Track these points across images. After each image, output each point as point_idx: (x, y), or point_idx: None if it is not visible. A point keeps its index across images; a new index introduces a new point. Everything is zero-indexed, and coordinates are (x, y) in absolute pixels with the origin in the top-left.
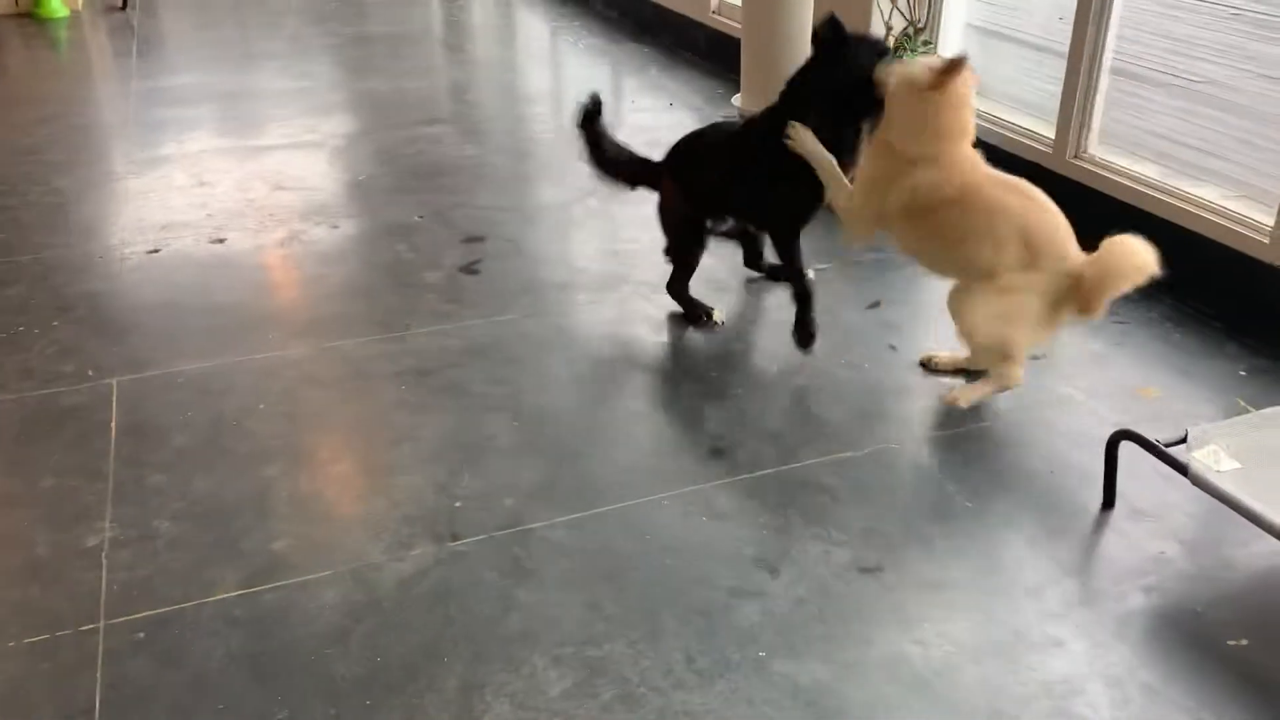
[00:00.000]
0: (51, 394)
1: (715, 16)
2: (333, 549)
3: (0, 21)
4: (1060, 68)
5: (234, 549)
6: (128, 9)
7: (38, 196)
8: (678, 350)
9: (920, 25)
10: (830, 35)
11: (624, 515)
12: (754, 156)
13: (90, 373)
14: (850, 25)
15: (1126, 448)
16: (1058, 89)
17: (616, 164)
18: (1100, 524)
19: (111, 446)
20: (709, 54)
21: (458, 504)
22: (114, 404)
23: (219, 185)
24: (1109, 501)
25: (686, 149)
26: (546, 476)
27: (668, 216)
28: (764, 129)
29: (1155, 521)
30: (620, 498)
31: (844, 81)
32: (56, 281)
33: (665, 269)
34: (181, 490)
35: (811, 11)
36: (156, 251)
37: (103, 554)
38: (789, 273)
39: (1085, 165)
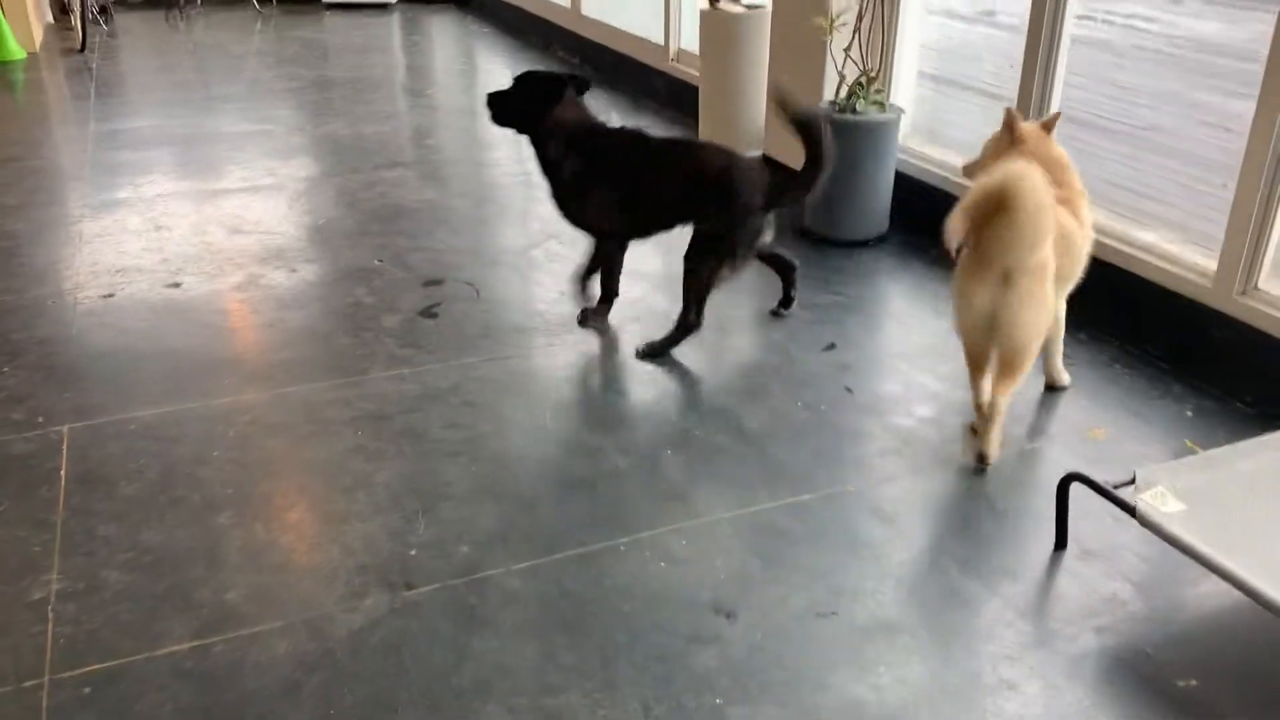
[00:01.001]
0: (0, 441)
1: (674, 64)
2: (285, 599)
3: None
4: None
5: (185, 600)
6: (86, 51)
7: None
8: (636, 393)
9: (873, 74)
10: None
11: (581, 561)
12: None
13: (40, 420)
14: (803, 72)
15: (1077, 489)
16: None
17: None
18: (1053, 565)
19: (60, 495)
20: (669, 100)
21: (413, 552)
22: (64, 452)
23: (176, 229)
24: (1061, 543)
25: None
26: (503, 523)
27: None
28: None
29: (1106, 562)
30: (577, 543)
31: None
32: (6, 327)
33: (624, 314)
34: (131, 540)
35: (766, 60)
36: (110, 296)
37: (49, 607)
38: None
39: None
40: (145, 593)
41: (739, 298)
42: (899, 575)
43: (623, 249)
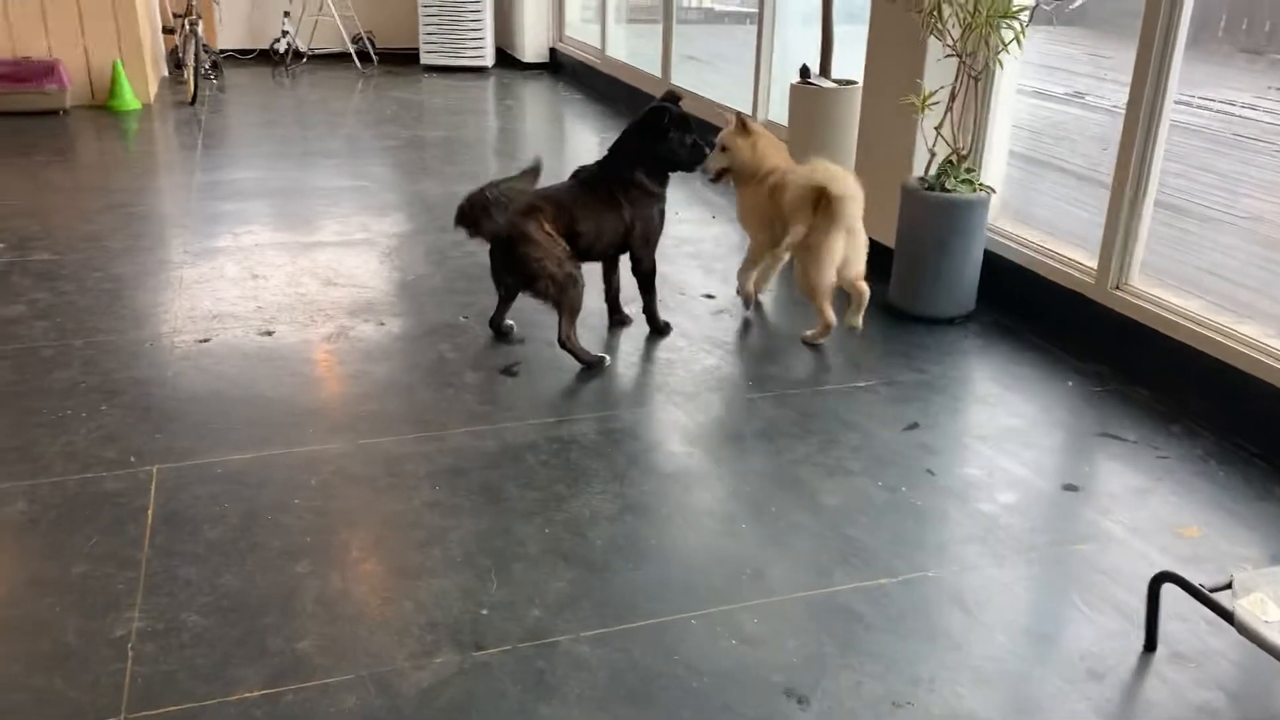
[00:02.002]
0: (93, 478)
1: None
2: (356, 652)
3: (77, 111)
4: (1103, 197)
5: (259, 647)
6: (196, 104)
7: (95, 283)
8: (712, 463)
9: (964, 153)
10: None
11: (651, 633)
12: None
13: (132, 459)
14: (892, 148)
15: (1169, 589)
16: (1100, 219)
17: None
18: (1141, 668)
19: (146, 535)
20: None
21: (484, 611)
22: (152, 492)
23: (271, 279)
24: (1150, 644)
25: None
26: (574, 588)
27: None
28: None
29: (1199, 668)
30: (649, 614)
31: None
32: (107, 367)
33: (699, 379)
34: (211, 583)
35: (855, 135)
36: (206, 341)
37: (129, 645)
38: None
39: (1127, 296)
40: (221, 637)
41: (818, 370)
42: (978, 668)
43: None
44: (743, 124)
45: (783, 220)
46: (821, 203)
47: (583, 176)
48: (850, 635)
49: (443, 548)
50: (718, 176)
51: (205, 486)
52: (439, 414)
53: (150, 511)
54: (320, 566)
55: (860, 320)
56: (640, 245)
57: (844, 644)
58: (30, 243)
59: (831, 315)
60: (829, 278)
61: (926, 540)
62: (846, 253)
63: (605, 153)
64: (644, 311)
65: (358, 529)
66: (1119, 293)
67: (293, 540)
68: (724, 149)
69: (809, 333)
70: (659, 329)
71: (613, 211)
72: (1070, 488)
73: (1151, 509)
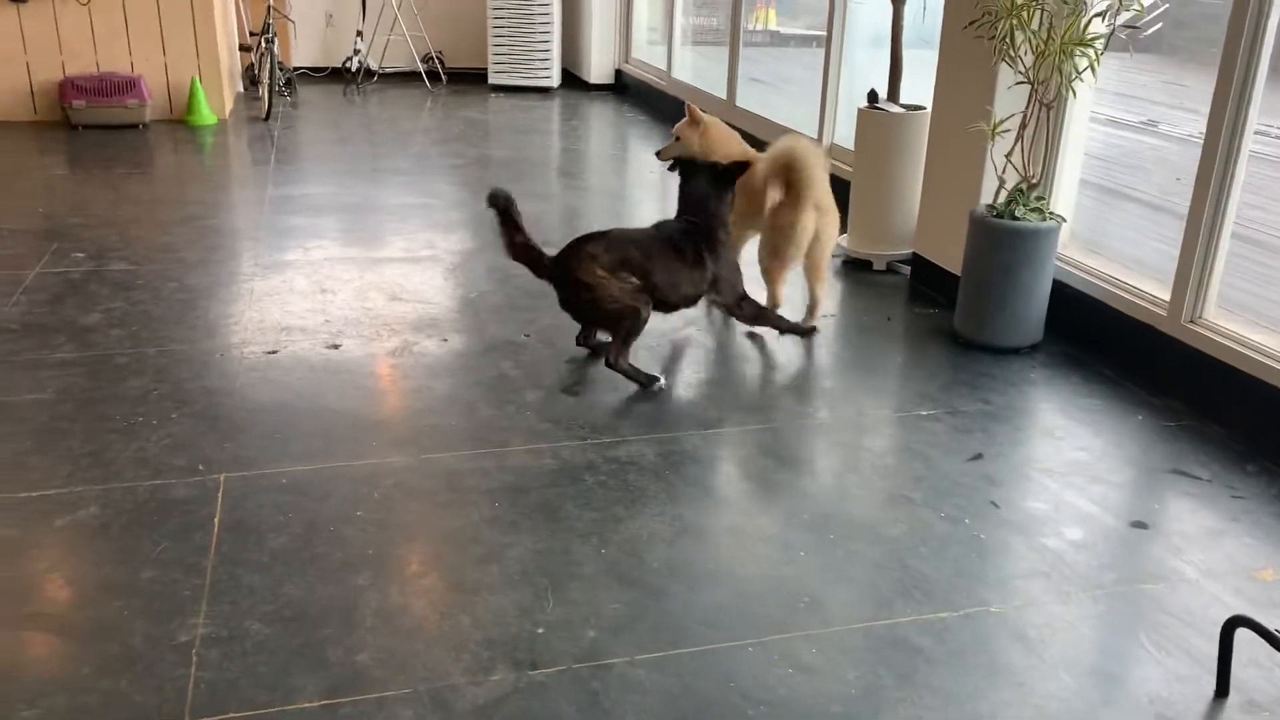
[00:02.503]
0: (162, 485)
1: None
2: (413, 666)
3: (155, 125)
4: (1176, 228)
5: (319, 657)
6: (270, 120)
7: (169, 293)
8: (770, 489)
9: (1034, 181)
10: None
11: (707, 658)
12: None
13: (200, 467)
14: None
15: (1242, 634)
16: (1174, 250)
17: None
18: (1212, 715)
19: (212, 542)
20: None
21: (540, 630)
22: (219, 500)
23: (339, 293)
24: (1223, 690)
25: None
26: (630, 610)
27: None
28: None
29: (1273, 716)
30: (705, 639)
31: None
32: (178, 376)
33: (758, 402)
34: (274, 592)
35: (923, 161)
36: (274, 353)
37: (194, 651)
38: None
39: (1201, 330)
40: (283, 646)
41: (881, 397)
42: (1040, 707)
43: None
44: (692, 115)
45: (747, 203)
46: (790, 179)
47: (666, 233)
48: (910, 668)
49: (500, 565)
50: (673, 166)
51: (270, 496)
52: (499, 431)
53: (217, 519)
54: (380, 579)
55: (816, 320)
56: (730, 298)
57: (903, 677)
58: (109, 253)
59: (781, 296)
60: (797, 255)
61: (989, 574)
62: (817, 228)
63: (680, 201)
64: (783, 334)
65: (417, 543)
66: (1193, 326)
67: (354, 552)
68: (676, 139)
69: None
70: (807, 331)
71: (697, 269)
72: (1139, 525)
73: (1225, 550)
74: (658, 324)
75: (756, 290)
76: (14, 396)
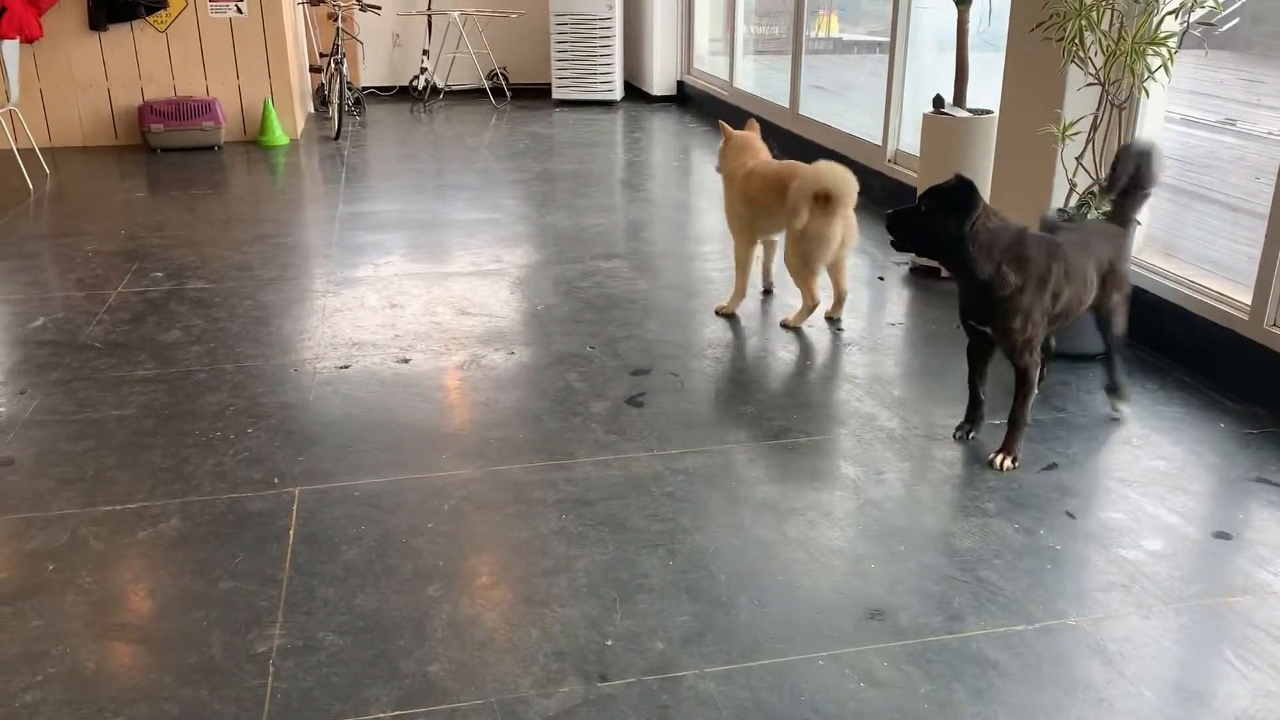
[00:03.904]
0: (239, 498)
1: (891, 165)
2: (484, 677)
3: (230, 146)
4: (1257, 229)
5: (392, 668)
6: (340, 139)
7: (245, 310)
8: (836, 499)
9: (1105, 184)
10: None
11: (778, 671)
12: None
13: (275, 480)
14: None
15: None
16: (1254, 251)
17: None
18: None
19: (288, 554)
20: (883, 200)
21: (609, 642)
22: (294, 512)
23: (408, 308)
24: None
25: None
26: (699, 621)
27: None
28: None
29: None
30: (774, 652)
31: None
32: (254, 391)
33: (827, 413)
34: (348, 603)
35: (991, 166)
36: (346, 367)
37: (270, 661)
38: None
39: None
40: (356, 657)
41: (951, 406)
42: None
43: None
44: (724, 132)
45: (763, 210)
46: (829, 200)
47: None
48: (985, 683)
49: (569, 576)
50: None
51: (343, 508)
52: (566, 443)
53: (291, 532)
54: (450, 591)
55: (843, 312)
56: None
57: (977, 692)
58: (187, 271)
59: (818, 295)
60: (826, 259)
61: (1066, 586)
62: (843, 235)
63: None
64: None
65: (486, 555)
66: (1276, 330)
67: (425, 564)
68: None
69: (791, 316)
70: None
71: None
72: (1222, 535)
73: None
74: (722, 334)
75: (788, 294)
76: (99, 413)
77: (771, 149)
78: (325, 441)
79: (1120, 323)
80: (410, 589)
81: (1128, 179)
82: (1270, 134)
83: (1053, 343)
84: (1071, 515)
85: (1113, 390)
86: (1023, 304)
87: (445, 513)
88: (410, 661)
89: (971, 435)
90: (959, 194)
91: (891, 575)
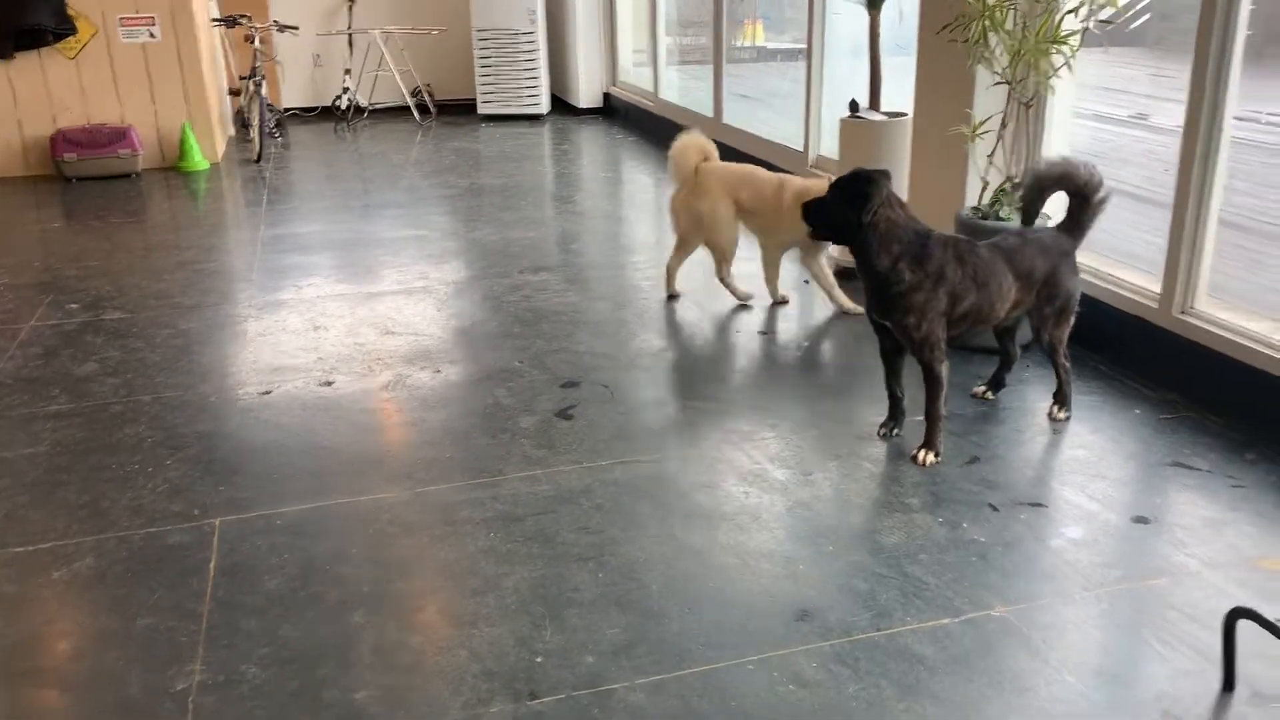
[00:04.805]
0: (158, 532)
1: (813, 170)
2: (412, 702)
3: (148, 173)
4: (1166, 220)
5: (315, 699)
6: (261, 161)
7: (164, 339)
8: (765, 501)
9: (1016, 180)
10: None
11: (708, 679)
12: None
13: (195, 512)
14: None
15: (1247, 624)
16: (1163, 241)
17: None
18: (1219, 710)
19: (208, 588)
20: None
21: (538, 659)
22: (215, 544)
23: (331, 329)
24: (1229, 684)
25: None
26: (630, 633)
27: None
28: None
29: None
30: (705, 660)
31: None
32: (173, 421)
33: (755, 418)
34: (271, 635)
35: (907, 167)
36: (268, 393)
37: (190, 698)
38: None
39: (1193, 320)
40: (280, 689)
41: (876, 405)
42: (1046, 710)
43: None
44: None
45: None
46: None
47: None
48: (912, 679)
49: (497, 595)
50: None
51: (266, 538)
52: (494, 460)
53: (213, 564)
54: (377, 616)
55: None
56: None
57: (906, 688)
58: (103, 302)
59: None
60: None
61: (990, 578)
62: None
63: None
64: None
65: (413, 578)
66: (1185, 317)
67: (350, 590)
68: None
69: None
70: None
71: None
72: (1141, 520)
73: (1228, 540)
74: (652, 342)
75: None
76: (9, 452)
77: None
78: (247, 470)
79: (1055, 334)
80: (335, 616)
81: (1071, 191)
82: (1180, 127)
83: (1015, 350)
84: (994, 507)
85: (997, 384)
86: (916, 301)
87: (370, 537)
88: (335, 690)
89: (895, 433)
90: (856, 185)
91: (820, 575)
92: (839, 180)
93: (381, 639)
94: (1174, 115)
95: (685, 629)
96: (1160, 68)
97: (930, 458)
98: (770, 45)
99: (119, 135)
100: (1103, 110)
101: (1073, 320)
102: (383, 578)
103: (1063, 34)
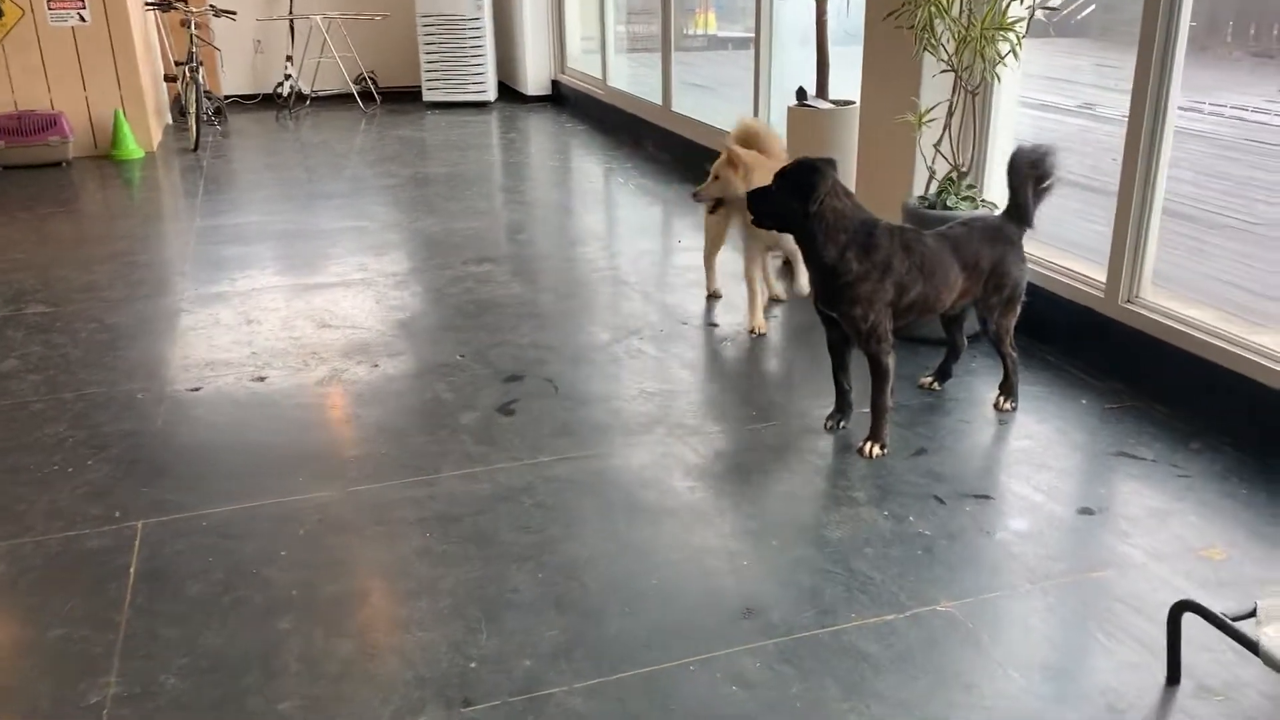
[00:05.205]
0: (76, 536)
1: None
2: (339, 713)
3: (80, 162)
4: (1112, 208)
5: (239, 709)
6: (199, 150)
7: (89, 334)
8: (710, 496)
9: (964, 169)
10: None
11: (648, 681)
12: None
13: (117, 514)
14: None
15: (1191, 617)
16: (1109, 230)
17: None
18: (1165, 703)
19: (127, 594)
20: None
21: (473, 665)
22: (136, 548)
23: (266, 323)
24: (1174, 677)
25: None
26: (568, 636)
27: None
28: None
29: (1226, 702)
30: (645, 661)
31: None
32: (96, 420)
33: (700, 411)
34: (191, 643)
35: (855, 156)
36: (198, 390)
37: (104, 711)
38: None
39: (1138, 310)
40: (199, 700)
41: (823, 399)
42: (991, 707)
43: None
44: (732, 158)
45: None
46: None
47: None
48: (857, 677)
49: (431, 598)
50: (714, 206)
51: (190, 540)
52: (432, 458)
53: (132, 569)
54: (304, 623)
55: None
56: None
57: (850, 686)
58: (26, 296)
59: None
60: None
61: (936, 572)
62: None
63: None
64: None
65: (344, 581)
66: (1130, 306)
67: (277, 595)
68: (715, 178)
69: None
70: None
71: None
72: (1086, 511)
73: (1172, 531)
74: (598, 335)
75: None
76: None
77: (646, 147)
78: (172, 470)
79: (1002, 324)
80: (260, 623)
81: (1026, 179)
82: (1125, 117)
83: (962, 340)
84: (940, 500)
85: (944, 375)
86: (863, 292)
87: (300, 539)
88: (259, 700)
89: (841, 425)
90: (799, 175)
91: (764, 571)
92: (784, 169)
93: (309, 646)
94: (1118, 105)
95: (625, 630)
96: (1105, 58)
97: (876, 450)
98: (722, 34)
99: (49, 122)
100: (1050, 100)
101: (1019, 310)
102: (311, 581)
103: (1009, 20)
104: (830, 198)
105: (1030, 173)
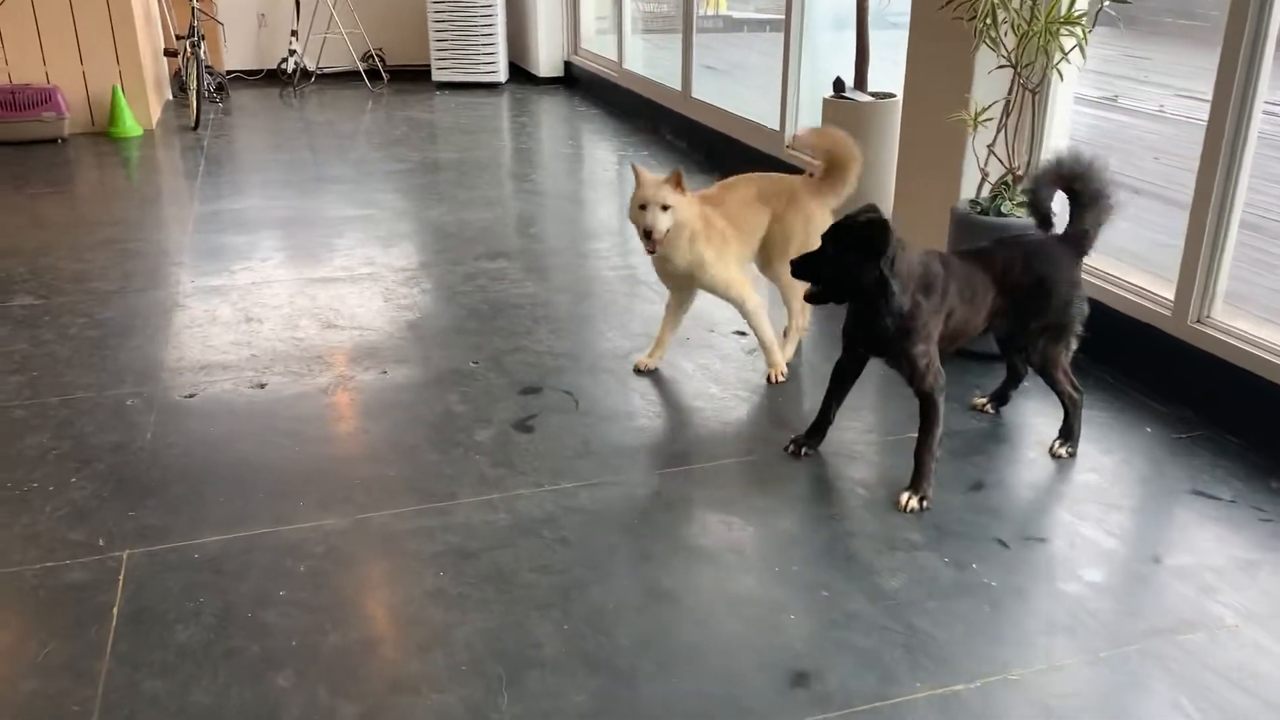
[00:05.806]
0: (54, 568)
1: (790, 152)
2: None
3: (75, 139)
4: (1178, 217)
5: None
6: (199, 128)
7: (78, 330)
8: (749, 535)
9: (1019, 173)
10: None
11: None
12: None
13: (100, 542)
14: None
15: None
16: (1176, 241)
17: None
18: None
19: (109, 640)
20: None
21: None
22: (120, 584)
23: (267, 321)
24: None
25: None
26: (598, 701)
27: None
28: None
29: None
30: None
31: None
32: (82, 429)
33: (735, 433)
34: (179, 700)
35: (896, 154)
36: (192, 396)
37: None
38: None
39: (1210, 331)
40: None
41: (870, 421)
42: None
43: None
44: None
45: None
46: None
47: None
48: None
49: (446, 651)
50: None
51: (179, 575)
52: (445, 480)
53: (116, 609)
54: (304, 678)
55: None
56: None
57: None
58: (13, 285)
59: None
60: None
61: (1004, 631)
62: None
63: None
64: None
65: (349, 629)
66: (1201, 326)
67: (274, 644)
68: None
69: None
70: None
71: None
72: (1164, 560)
73: (1262, 585)
74: (619, 343)
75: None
76: None
77: (663, 135)
78: (162, 491)
79: (1048, 354)
80: (256, 677)
81: (1051, 194)
82: (1158, 112)
83: (1022, 366)
84: (1004, 543)
85: (1001, 399)
86: (920, 327)
87: (301, 576)
88: None
89: (806, 452)
90: (872, 232)
91: (815, 627)
92: (837, 231)
93: (310, 707)
94: (1148, 99)
95: (662, 695)
96: (1130, 48)
97: (915, 503)
98: (736, 15)
99: (43, 97)
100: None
101: (1074, 342)
102: (313, 628)
103: (1075, 14)
104: (896, 248)
105: (1061, 185)
